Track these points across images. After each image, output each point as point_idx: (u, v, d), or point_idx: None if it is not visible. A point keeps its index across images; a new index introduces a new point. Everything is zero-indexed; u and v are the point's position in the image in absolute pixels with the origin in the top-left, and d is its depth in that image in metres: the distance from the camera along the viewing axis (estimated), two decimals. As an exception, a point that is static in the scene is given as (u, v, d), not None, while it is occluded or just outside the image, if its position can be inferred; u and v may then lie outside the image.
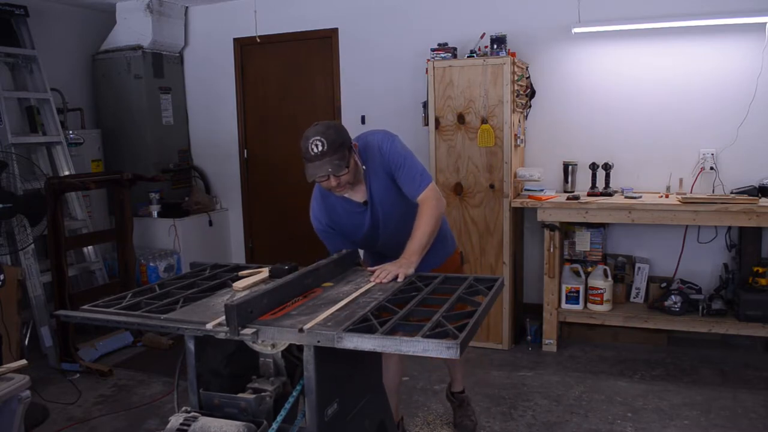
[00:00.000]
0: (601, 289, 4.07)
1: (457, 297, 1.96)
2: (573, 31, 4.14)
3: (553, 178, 4.38)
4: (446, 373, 3.29)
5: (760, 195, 3.81)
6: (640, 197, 3.95)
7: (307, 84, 5.19)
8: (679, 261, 4.22)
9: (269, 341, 1.74)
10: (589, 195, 4.09)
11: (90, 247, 4.65)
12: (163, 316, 1.84)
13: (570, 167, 4.28)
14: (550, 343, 4.11)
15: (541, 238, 4.13)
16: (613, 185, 4.14)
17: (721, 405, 3.29)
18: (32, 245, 4.00)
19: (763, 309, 3.72)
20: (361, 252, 2.63)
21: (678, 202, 3.78)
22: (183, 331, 1.77)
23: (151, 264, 4.76)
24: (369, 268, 2.30)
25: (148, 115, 5.18)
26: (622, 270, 4.26)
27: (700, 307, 3.92)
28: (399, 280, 2.15)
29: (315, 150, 2.19)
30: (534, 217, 4.12)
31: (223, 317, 1.70)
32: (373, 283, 2.13)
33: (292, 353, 1.86)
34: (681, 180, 4.12)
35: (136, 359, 4.19)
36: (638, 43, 4.15)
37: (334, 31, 4.99)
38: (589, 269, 4.15)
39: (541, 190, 4.21)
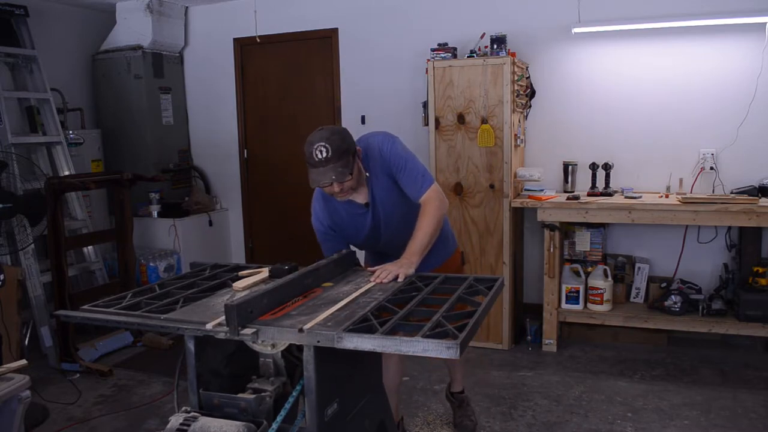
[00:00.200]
0: (601, 289, 4.07)
1: (457, 297, 1.96)
2: (573, 31, 4.14)
3: (553, 178, 4.38)
4: (446, 373, 3.29)
5: (760, 195, 3.81)
6: (640, 197, 3.95)
7: (307, 84, 5.19)
8: (679, 261, 4.22)
9: (269, 341, 1.73)
10: (589, 195, 4.09)
11: (90, 247, 4.65)
12: (163, 316, 1.84)
13: (570, 167, 4.28)
14: (550, 343, 4.11)
15: (541, 238, 4.13)
16: (613, 185, 4.14)
17: (721, 405, 3.29)
18: (32, 245, 4.00)
19: (763, 309, 3.72)
20: (361, 254, 2.63)
21: (678, 202, 3.78)
22: (183, 331, 1.77)
23: (151, 264, 4.76)
24: (369, 268, 2.30)
25: (148, 115, 5.18)
26: (622, 270, 4.26)
27: (700, 307, 3.92)
28: (399, 280, 2.15)
29: (319, 156, 2.17)
30: (534, 217, 4.12)
31: (223, 317, 1.69)
32: (373, 283, 2.12)
33: (292, 353, 1.86)
34: (681, 180, 4.12)
35: (136, 359, 4.19)
36: (638, 43, 4.15)
37: (334, 31, 4.99)
38: (589, 269, 4.15)
39: (541, 190, 4.21)
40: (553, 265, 4.04)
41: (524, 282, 4.54)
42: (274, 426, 1.71)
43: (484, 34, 4.19)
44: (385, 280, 2.14)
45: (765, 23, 3.82)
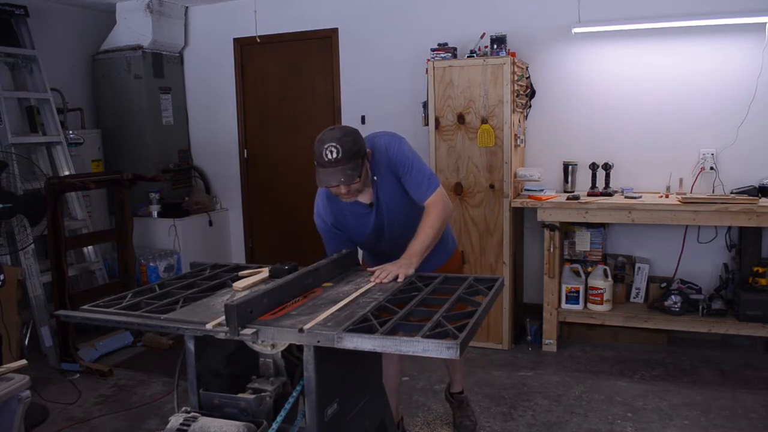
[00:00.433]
0: (601, 289, 4.07)
1: (457, 297, 1.96)
2: (573, 31, 4.14)
3: (553, 178, 4.38)
4: (446, 373, 3.29)
5: (760, 195, 3.81)
6: (640, 197, 3.95)
7: (307, 84, 5.19)
8: (679, 261, 4.22)
9: (269, 341, 1.74)
10: (589, 195, 4.09)
11: (90, 247, 4.65)
12: (163, 316, 1.84)
13: (570, 167, 4.28)
14: (550, 343, 4.11)
15: (541, 238, 4.13)
16: (613, 185, 4.14)
17: (721, 405, 3.29)
18: (32, 245, 4.00)
19: (763, 309, 3.72)
20: (360, 253, 2.63)
21: (678, 202, 3.78)
22: (183, 331, 1.77)
23: (151, 264, 4.76)
24: (369, 268, 2.30)
25: (148, 115, 5.18)
26: (622, 270, 4.26)
27: (700, 307, 3.92)
28: (399, 280, 2.15)
29: (329, 156, 2.15)
30: (534, 217, 4.12)
31: (223, 317, 1.70)
32: (373, 283, 2.13)
33: (292, 353, 1.86)
34: (681, 180, 4.12)
35: (136, 359, 4.18)
36: (638, 43, 4.15)
37: (334, 31, 4.99)
38: (589, 269, 4.15)
39: (541, 190, 4.21)
40: (553, 265, 4.04)
41: (524, 282, 4.54)
42: (274, 426, 1.71)
43: (484, 34, 4.19)
44: (384, 281, 2.14)
45: (765, 23, 3.82)
